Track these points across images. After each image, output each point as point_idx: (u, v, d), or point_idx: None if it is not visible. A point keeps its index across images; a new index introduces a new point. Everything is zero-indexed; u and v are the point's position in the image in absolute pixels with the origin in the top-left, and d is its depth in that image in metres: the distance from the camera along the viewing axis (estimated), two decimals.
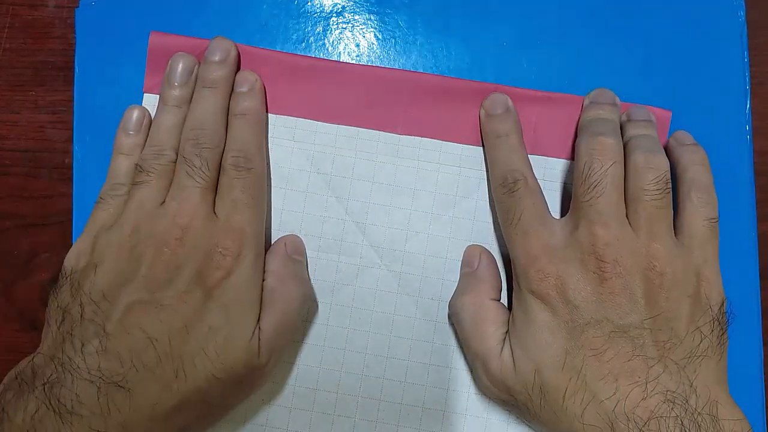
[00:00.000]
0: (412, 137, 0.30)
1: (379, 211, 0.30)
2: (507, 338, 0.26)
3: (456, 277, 0.29)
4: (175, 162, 0.27)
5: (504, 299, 0.29)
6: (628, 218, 0.25)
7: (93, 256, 0.25)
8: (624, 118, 0.29)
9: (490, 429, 0.29)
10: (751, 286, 0.30)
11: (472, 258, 0.29)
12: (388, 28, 0.31)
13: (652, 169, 0.25)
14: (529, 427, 0.28)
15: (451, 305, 0.29)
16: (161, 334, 0.23)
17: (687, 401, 0.23)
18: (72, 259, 0.26)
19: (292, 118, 0.30)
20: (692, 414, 0.22)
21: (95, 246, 0.26)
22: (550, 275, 0.25)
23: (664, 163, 0.25)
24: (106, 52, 0.31)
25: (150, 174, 0.26)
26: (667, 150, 0.28)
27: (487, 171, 0.30)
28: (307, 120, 0.30)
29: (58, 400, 0.21)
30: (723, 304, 0.25)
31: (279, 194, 0.30)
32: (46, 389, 0.22)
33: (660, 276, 0.24)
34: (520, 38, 0.31)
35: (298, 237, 0.30)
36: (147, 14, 0.31)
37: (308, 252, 0.30)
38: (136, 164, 0.27)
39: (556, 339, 0.24)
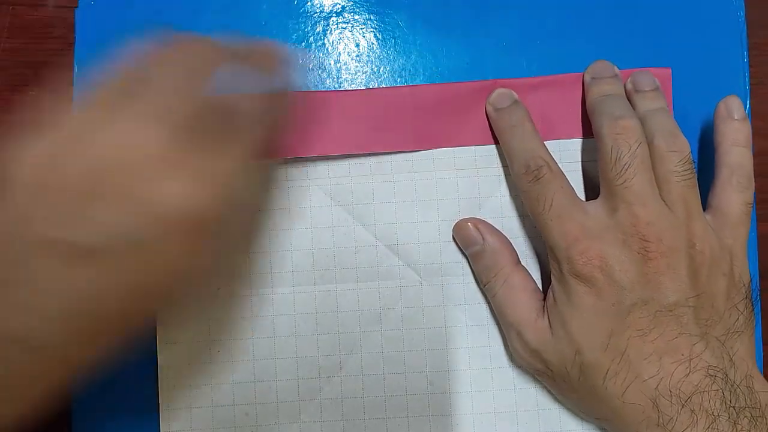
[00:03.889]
0: (425, 150, 0.30)
1: (408, 229, 0.30)
2: (545, 313, 0.26)
3: None
4: None
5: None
6: (662, 198, 0.25)
7: None
8: (629, 86, 0.29)
9: (563, 420, 0.29)
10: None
11: (471, 234, 0.29)
12: (388, 28, 0.31)
13: (675, 152, 0.26)
14: (562, 399, 0.28)
15: (480, 286, 0.29)
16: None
17: (727, 375, 0.24)
18: None
19: (302, 158, 0.30)
20: (732, 387, 0.24)
21: None
22: (594, 257, 0.25)
23: (686, 144, 0.26)
24: (106, 52, 0.31)
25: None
26: (714, 121, 0.28)
27: (503, 166, 0.30)
28: (317, 156, 0.30)
29: None
30: (750, 283, 0.26)
31: (306, 234, 0.30)
32: None
33: (701, 254, 0.25)
34: (520, 38, 0.31)
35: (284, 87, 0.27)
36: (147, 14, 0.31)
37: (347, 284, 0.29)
38: None
39: (601, 321, 0.25)
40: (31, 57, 0.32)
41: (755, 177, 0.30)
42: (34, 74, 0.31)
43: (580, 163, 0.30)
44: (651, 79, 0.29)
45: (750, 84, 0.30)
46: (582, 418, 0.29)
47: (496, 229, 0.29)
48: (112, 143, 0.20)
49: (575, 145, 0.30)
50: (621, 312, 0.24)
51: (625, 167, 0.25)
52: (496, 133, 0.30)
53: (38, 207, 0.19)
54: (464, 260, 0.30)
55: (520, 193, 0.28)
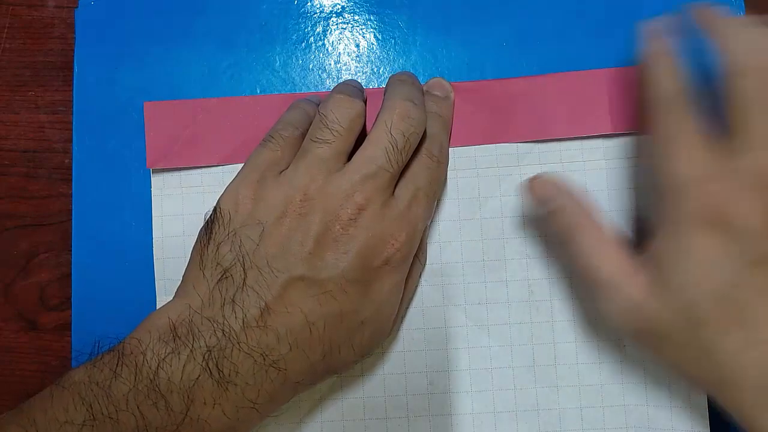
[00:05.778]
0: None
1: None
2: (650, 263, 0.24)
3: (497, 276, 0.29)
4: (361, 133, 0.26)
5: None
6: None
7: (257, 209, 0.24)
8: None
9: (563, 420, 0.29)
10: None
11: (550, 190, 0.26)
12: (388, 28, 0.31)
13: None
14: (663, 361, 0.26)
15: (565, 246, 0.27)
16: (318, 319, 0.24)
17: None
18: (230, 201, 0.25)
19: None
20: None
21: (259, 195, 0.25)
22: (720, 201, 0.22)
23: None
24: (106, 52, 0.31)
25: (334, 133, 0.25)
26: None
27: (504, 167, 0.30)
28: None
29: (218, 368, 0.22)
30: None
31: None
32: (206, 355, 0.22)
33: None
34: (520, 38, 0.31)
35: None
36: (147, 14, 0.31)
37: None
38: (321, 118, 0.25)
39: (722, 272, 0.22)
40: (31, 57, 0.32)
41: None
42: (34, 74, 0.31)
43: (604, 161, 0.29)
44: None
45: None
46: (687, 384, 0.27)
47: (574, 190, 0.27)
48: (345, 202, 0.24)
49: (597, 143, 0.29)
50: (745, 264, 0.22)
51: (764, 109, 0.23)
52: (642, 61, 0.27)
53: (287, 245, 0.24)
54: (464, 260, 0.30)
55: (647, 114, 0.26)
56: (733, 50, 0.24)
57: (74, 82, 0.31)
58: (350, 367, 0.27)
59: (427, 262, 0.30)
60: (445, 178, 0.29)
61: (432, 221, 0.30)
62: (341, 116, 0.25)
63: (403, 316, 0.29)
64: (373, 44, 0.31)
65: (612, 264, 0.25)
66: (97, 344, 0.23)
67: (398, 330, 0.29)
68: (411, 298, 0.29)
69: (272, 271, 0.23)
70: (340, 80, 0.31)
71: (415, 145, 0.26)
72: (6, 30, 0.32)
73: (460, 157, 0.30)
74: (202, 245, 0.25)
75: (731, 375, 0.22)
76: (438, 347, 0.29)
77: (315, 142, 0.25)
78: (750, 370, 0.22)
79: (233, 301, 0.23)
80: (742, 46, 0.24)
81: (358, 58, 0.31)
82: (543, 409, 0.29)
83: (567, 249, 0.26)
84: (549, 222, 0.27)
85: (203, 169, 0.30)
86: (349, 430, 0.29)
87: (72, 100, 0.31)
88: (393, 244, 0.24)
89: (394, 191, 0.26)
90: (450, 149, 0.30)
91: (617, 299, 0.24)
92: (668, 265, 0.23)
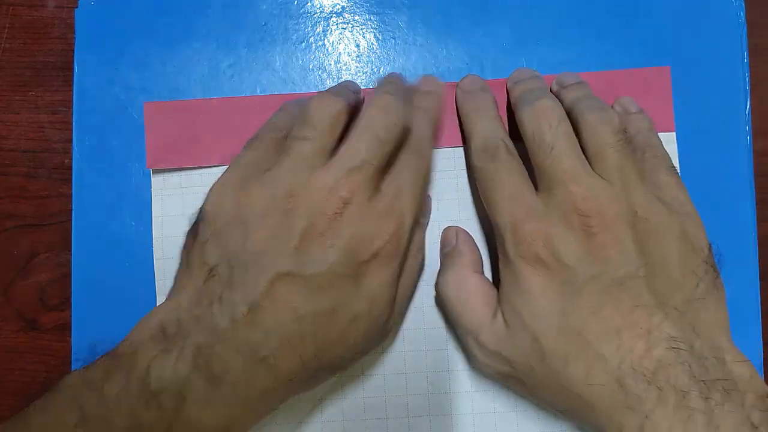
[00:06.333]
0: None
1: None
2: (498, 310, 0.26)
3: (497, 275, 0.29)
4: (345, 128, 0.26)
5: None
6: (597, 173, 0.25)
7: (241, 208, 0.24)
8: (555, 87, 0.29)
9: (563, 423, 0.29)
10: (751, 287, 0.30)
11: (450, 237, 0.29)
12: (388, 28, 0.31)
13: (606, 124, 0.25)
14: (533, 399, 0.28)
15: (436, 286, 0.29)
16: (307, 314, 0.23)
17: (692, 346, 0.22)
18: (214, 201, 0.25)
19: None
20: (699, 358, 0.22)
21: (243, 194, 0.25)
22: (539, 237, 0.24)
23: (615, 116, 0.25)
24: (106, 52, 0.31)
25: (316, 130, 0.25)
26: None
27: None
28: None
29: (207, 365, 0.22)
30: (710, 247, 0.25)
31: None
32: (195, 354, 0.22)
33: (645, 221, 0.24)
34: (520, 38, 0.31)
35: (428, 195, 0.30)
36: (147, 14, 0.31)
37: None
38: (302, 116, 0.25)
39: (551, 302, 0.24)
40: (31, 57, 0.32)
41: (756, 177, 0.30)
42: (34, 74, 0.31)
43: None
44: (574, 75, 0.29)
45: (750, 84, 0.30)
46: (556, 415, 0.28)
47: (472, 240, 0.29)
48: (330, 196, 0.24)
49: None
50: (572, 291, 0.23)
51: (550, 147, 0.24)
52: (460, 115, 0.29)
53: (273, 242, 0.23)
54: None
55: (473, 172, 0.27)
56: (519, 110, 0.26)
57: (74, 82, 0.31)
58: (348, 367, 0.26)
59: (428, 262, 0.30)
60: (430, 172, 0.29)
61: (431, 221, 0.30)
62: (322, 113, 0.25)
63: (403, 315, 0.29)
64: (373, 44, 0.31)
65: (472, 313, 0.26)
66: (94, 348, 0.23)
67: (398, 330, 0.29)
68: (410, 298, 0.29)
69: (258, 268, 0.23)
70: (340, 80, 0.31)
71: (399, 138, 0.25)
72: (6, 30, 0.32)
73: (460, 157, 0.30)
74: (189, 245, 0.25)
75: (585, 400, 0.23)
76: (438, 347, 0.29)
77: (297, 139, 0.25)
78: (599, 392, 0.22)
79: (221, 298, 0.23)
80: (525, 102, 0.26)
81: (358, 58, 0.31)
82: (543, 409, 0.29)
83: (440, 290, 0.28)
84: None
85: (203, 169, 0.30)
86: (349, 430, 0.29)
87: (72, 100, 0.31)
88: (381, 237, 0.24)
89: (380, 186, 0.25)
90: (449, 149, 0.30)
91: (479, 347, 0.26)
92: (512, 307, 0.25)
